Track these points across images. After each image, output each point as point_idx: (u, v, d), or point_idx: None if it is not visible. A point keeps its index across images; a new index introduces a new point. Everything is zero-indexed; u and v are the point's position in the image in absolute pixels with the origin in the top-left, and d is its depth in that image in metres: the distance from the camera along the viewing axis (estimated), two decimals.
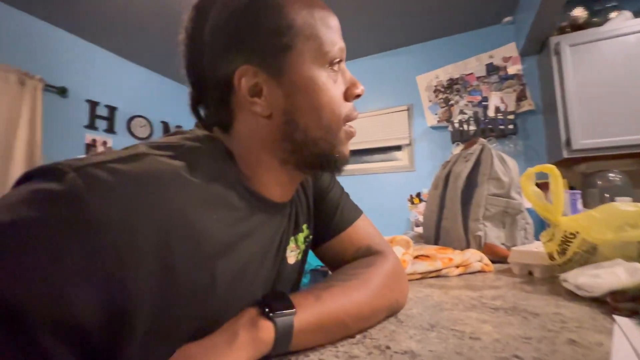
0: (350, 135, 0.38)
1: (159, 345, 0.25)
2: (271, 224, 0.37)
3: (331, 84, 0.35)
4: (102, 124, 2.35)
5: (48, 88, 2.03)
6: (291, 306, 0.29)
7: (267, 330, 0.27)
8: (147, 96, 2.70)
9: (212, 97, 0.35)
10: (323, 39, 0.34)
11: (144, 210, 0.23)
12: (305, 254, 0.45)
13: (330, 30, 0.35)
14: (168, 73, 2.81)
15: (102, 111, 2.35)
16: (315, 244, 0.47)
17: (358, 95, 0.37)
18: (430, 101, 2.34)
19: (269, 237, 0.37)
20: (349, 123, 0.37)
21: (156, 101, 2.76)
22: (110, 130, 2.39)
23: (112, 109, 2.41)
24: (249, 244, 0.33)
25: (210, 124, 0.37)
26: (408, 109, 2.44)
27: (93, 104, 2.29)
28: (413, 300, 0.47)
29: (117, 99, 2.44)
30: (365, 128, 2.57)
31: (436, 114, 2.31)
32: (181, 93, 2.99)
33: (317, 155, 0.36)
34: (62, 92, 2.11)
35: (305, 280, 2.02)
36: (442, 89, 2.28)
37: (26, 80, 1.90)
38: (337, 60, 0.35)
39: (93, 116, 2.28)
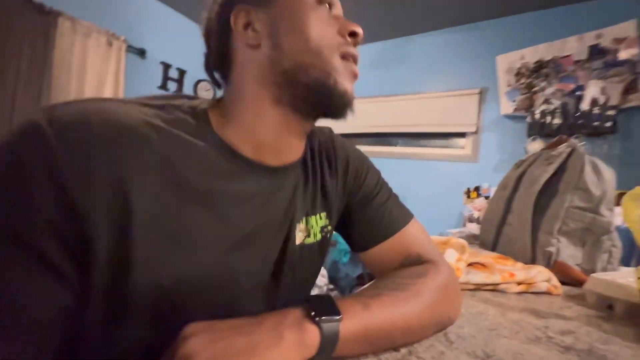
0: (352, 73, 0.36)
1: (123, 283, 0.26)
2: (265, 189, 0.36)
3: (318, 12, 0.35)
4: (172, 86, 2.52)
5: (130, 49, 2.21)
6: (338, 312, 0.28)
7: (312, 335, 0.26)
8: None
9: (215, 46, 0.37)
10: None
11: (99, 146, 0.25)
12: (321, 245, 0.44)
13: None
14: None
15: (173, 73, 2.52)
16: (361, 249, 0.46)
17: (354, 33, 0.36)
18: (508, 85, 2.06)
19: (264, 206, 0.35)
20: (352, 65, 0.36)
21: None
22: (179, 92, 2.56)
23: (182, 72, 2.56)
24: (232, 204, 0.32)
25: (216, 81, 0.40)
26: (480, 93, 2.19)
27: (166, 66, 2.45)
28: (465, 316, 0.43)
29: (187, 63, 2.58)
30: (427, 110, 2.39)
31: (514, 101, 2.04)
32: None
33: (311, 87, 0.34)
34: (142, 53, 2.29)
35: (345, 259, 2.04)
36: (527, 73, 1.98)
37: (113, 41, 2.09)
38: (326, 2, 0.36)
39: (166, 78, 2.46)
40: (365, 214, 0.46)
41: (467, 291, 0.55)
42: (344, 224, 0.48)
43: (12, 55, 1.70)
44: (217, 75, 0.39)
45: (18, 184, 0.23)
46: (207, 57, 0.39)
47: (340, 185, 0.45)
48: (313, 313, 0.27)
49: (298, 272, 0.40)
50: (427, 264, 0.41)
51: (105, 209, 0.25)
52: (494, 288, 0.57)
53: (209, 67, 0.39)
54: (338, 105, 0.35)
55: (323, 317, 0.27)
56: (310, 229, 0.41)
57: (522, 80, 2.00)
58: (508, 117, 2.08)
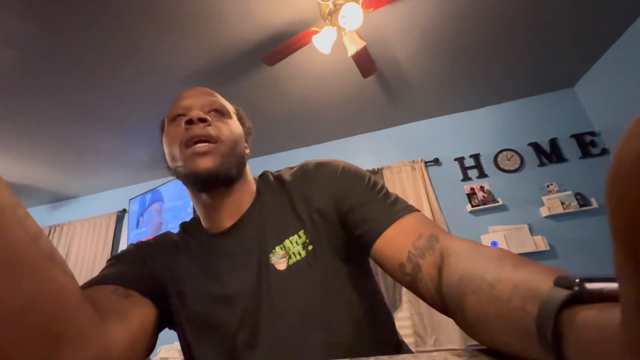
0: (193, 154, 0.46)
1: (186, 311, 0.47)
2: (227, 245, 0.50)
3: (171, 128, 0.50)
4: (473, 173, 2.58)
5: (428, 164, 2.66)
6: None
7: None
8: (497, 131, 2.65)
9: None
10: (169, 112, 0.52)
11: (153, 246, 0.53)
12: (311, 259, 0.46)
13: (173, 107, 0.52)
14: (494, 101, 2.64)
15: (468, 162, 2.62)
16: (371, 242, 0.43)
17: (188, 121, 0.47)
18: None
19: (234, 250, 0.49)
20: (197, 146, 0.46)
21: (497, 131, 2.62)
22: (481, 174, 2.54)
23: (476, 156, 2.60)
24: (190, 260, 0.51)
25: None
26: None
27: (460, 160, 2.63)
28: None
29: (474, 147, 2.63)
30: None
31: None
32: (513, 112, 2.63)
33: (182, 178, 0.49)
34: (437, 162, 2.67)
35: None
36: None
37: (415, 165, 2.64)
38: (176, 116, 0.51)
39: (464, 169, 2.59)
40: (365, 209, 0.46)
41: None
42: (350, 231, 0.47)
43: None
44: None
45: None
46: None
47: (314, 196, 0.49)
48: None
49: (296, 288, 0.45)
50: (471, 242, 0.34)
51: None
52: None
53: None
54: (201, 182, 0.47)
55: None
56: (288, 251, 0.47)
57: None
58: None
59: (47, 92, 1.89)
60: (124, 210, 3.32)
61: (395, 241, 0.41)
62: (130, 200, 3.20)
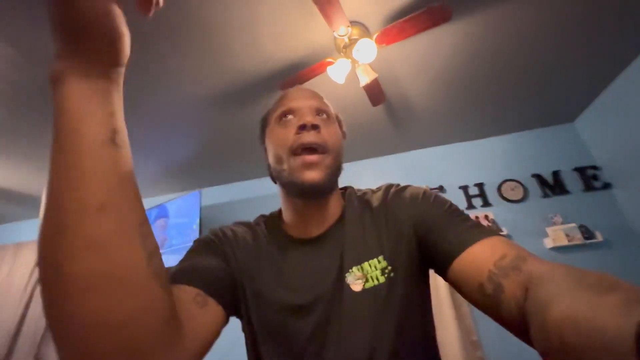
0: (302, 163, 0.47)
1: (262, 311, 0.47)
2: (308, 253, 0.50)
3: (276, 128, 0.52)
4: (477, 201, 2.60)
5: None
6: None
7: None
8: (501, 161, 2.70)
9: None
10: (276, 109, 0.53)
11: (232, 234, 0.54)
12: (390, 286, 0.45)
13: (281, 105, 0.53)
14: (498, 132, 2.72)
15: (472, 191, 2.65)
16: (448, 262, 0.42)
17: (302, 126, 0.48)
18: None
19: (309, 264, 0.49)
20: (306, 157, 0.47)
21: (501, 161, 2.68)
22: (485, 203, 2.57)
23: (480, 185, 2.64)
24: (269, 265, 0.50)
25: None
26: None
27: (464, 188, 2.66)
28: None
29: (478, 176, 2.68)
30: None
31: None
32: (516, 143, 2.70)
33: (285, 185, 0.50)
34: (441, 189, 2.70)
35: None
36: None
37: None
38: (284, 114, 0.51)
39: (468, 197, 2.62)
40: (444, 230, 0.44)
41: None
42: (426, 253, 0.47)
43: None
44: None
45: None
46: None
47: (397, 220, 0.49)
48: None
49: (368, 312, 0.44)
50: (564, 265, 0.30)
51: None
52: None
53: (272, 178, 0.58)
54: (304, 192, 0.48)
55: None
56: (366, 274, 0.46)
57: None
58: None
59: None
60: None
61: (475, 261, 0.39)
62: None
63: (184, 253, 0.49)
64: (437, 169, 2.80)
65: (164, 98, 1.98)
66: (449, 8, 1.40)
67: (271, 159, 0.52)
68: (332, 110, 0.57)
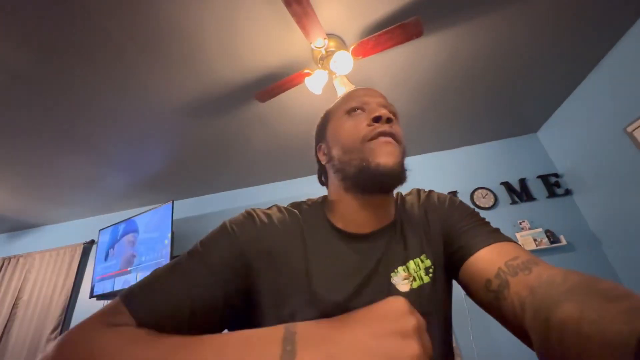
0: (382, 145, 0.46)
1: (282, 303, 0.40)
2: (356, 249, 0.46)
3: (347, 121, 0.51)
4: None
5: None
6: None
7: None
8: (473, 170, 2.82)
9: (318, 167, 0.59)
10: (342, 105, 0.54)
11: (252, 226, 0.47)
12: (434, 285, 0.45)
13: (349, 100, 0.53)
14: (478, 140, 2.85)
15: None
16: (460, 263, 0.43)
17: (376, 118, 0.48)
18: None
19: (357, 260, 0.45)
20: (381, 138, 0.46)
21: (473, 170, 2.80)
22: None
23: (454, 193, 2.73)
24: (323, 260, 0.44)
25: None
26: None
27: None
28: None
29: (451, 184, 2.77)
30: None
31: None
32: (486, 153, 2.84)
33: (355, 173, 0.46)
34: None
35: None
36: None
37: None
38: (353, 109, 0.51)
39: None
40: (465, 229, 0.46)
41: None
42: (447, 251, 0.48)
43: None
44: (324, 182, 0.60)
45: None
46: (318, 173, 0.60)
47: (433, 224, 0.50)
48: None
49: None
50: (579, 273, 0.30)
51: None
52: None
53: (320, 178, 0.60)
54: (378, 177, 0.44)
55: None
56: (413, 273, 0.45)
57: None
58: None
59: (25, 113, 1.81)
60: (92, 242, 3.09)
61: (486, 260, 0.40)
62: (100, 230, 3.00)
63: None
64: (412, 178, 2.84)
65: (135, 107, 1.89)
66: (420, 23, 1.45)
67: (337, 152, 0.50)
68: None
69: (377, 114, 0.47)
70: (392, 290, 0.43)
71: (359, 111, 0.51)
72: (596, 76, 2.13)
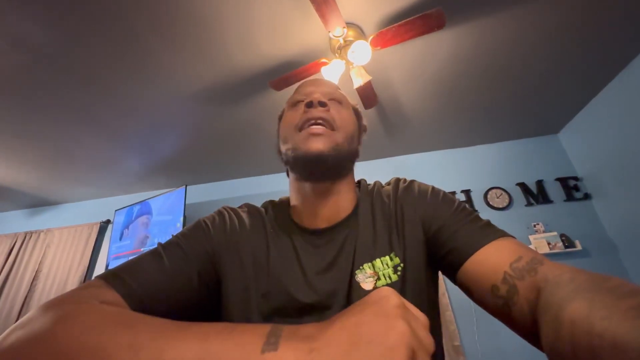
0: (307, 134, 0.46)
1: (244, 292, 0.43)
2: (314, 244, 0.48)
3: (289, 113, 0.52)
4: None
5: None
6: None
7: None
8: (487, 169, 2.76)
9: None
10: (289, 100, 0.54)
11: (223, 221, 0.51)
12: (402, 284, 0.43)
13: (295, 93, 0.55)
14: (491, 139, 2.78)
15: (460, 197, 2.69)
16: (459, 264, 0.41)
17: (308, 104, 0.48)
18: None
19: (313, 255, 0.47)
20: (313, 126, 0.46)
21: (488, 169, 2.73)
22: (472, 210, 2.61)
23: (467, 192, 2.68)
24: (278, 254, 0.47)
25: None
26: None
27: (452, 194, 2.69)
28: None
29: (465, 183, 2.72)
30: None
31: None
32: (503, 152, 2.77)
33: (294, 162, 0.48)
34: None
35: None
36: None
37: None
38: (297, 101, 0.52)
39: None
40: (454, 229, 0.43)
41: None
42: (435, 253, 0.45)
43: None
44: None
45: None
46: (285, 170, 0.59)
47: (409, 218, 0.47)
48: None
49: None
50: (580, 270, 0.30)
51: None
52: None
53: (287, 174, 0.57)
54: (308, 164, 0.46)
55: None
56: (379, 271, 0.44)
57: None
58: None
59: (48, 91, 1.87)
60: (108, 221, 3.20)
61: (489, 262, 0.38)
62: (116, 211, 3.10)
63: None
64: (425, 174, 2.83)
65: (154, 93, 1.92)
66: (443, 15, 1.41)
67: (282, 144, 0.51)
68: (349, 100, 0.56)
69: (308, 99, 0.48)
70: (354, 288, 0.42)
71: (300, 103, 0.51)
72: (626, 77, 2.03)
